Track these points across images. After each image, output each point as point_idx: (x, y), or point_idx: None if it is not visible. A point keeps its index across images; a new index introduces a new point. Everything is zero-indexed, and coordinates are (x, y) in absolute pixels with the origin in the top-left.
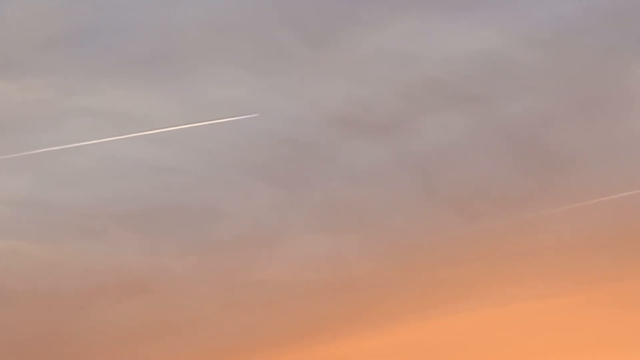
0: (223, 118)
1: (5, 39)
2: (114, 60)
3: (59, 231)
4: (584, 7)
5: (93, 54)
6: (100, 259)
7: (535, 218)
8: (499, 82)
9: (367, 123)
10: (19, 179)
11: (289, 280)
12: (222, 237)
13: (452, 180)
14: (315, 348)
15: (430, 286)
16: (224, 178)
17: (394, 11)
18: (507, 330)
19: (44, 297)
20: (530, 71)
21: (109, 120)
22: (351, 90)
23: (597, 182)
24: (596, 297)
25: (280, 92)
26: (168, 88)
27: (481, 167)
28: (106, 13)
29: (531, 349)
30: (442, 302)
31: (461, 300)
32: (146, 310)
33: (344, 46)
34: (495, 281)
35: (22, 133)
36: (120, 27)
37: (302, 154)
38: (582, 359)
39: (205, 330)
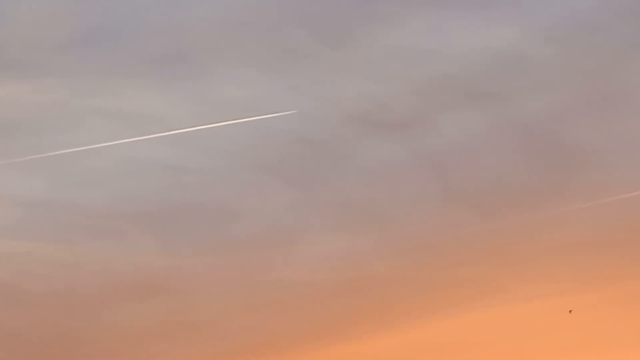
0: (242, 118)
1: (19, 41)
2: (128, 61)
3: (75, 232)
4: (600, 3)
5: (107, 55)
6: (117, 260)
7: (551, 216)
8: (515, 79)
9: (383, 121)
10: (34, 181)
11: (306, 280)
12: (238, 237)
13: (469, 178)
14: (332, 347)
15: (447, 284)
16: (240, 178)
17: (410, 9)
18: (524, 328)
19: (60, 297)
20: (546, 68)
21: (124, 121)
22: (367, 88)
23: (615, 180)
24: (612, 295)
25: (296, 91)
26: (183, 88)
27: (497, 165)
28: (119, 15)
29: (547, 347)
30: (458, 300)
31: (477, 299)
32: (162, 311)
33: (360, 44)
34: (511, 279)
35: (37, 135)
36: (133, 28)
37: (318, 153)
38: (597, 356)
39: (221, 330)
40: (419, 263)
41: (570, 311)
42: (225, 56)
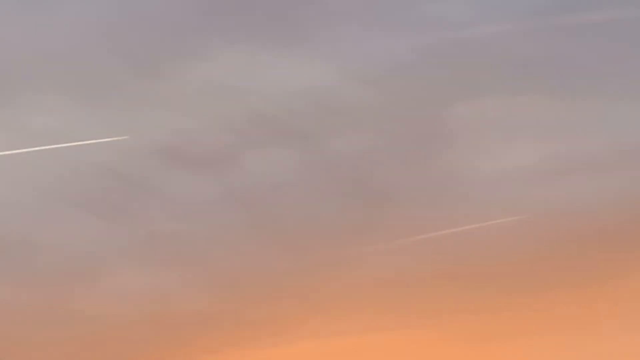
0: (48, 147)
1: None
2: None
3: None
4: (411, 44)
5: None
6: None
7: (359, 254)
8: (324, 119)
9: (192, 156)
10: None
11: (108, 314)
12: (38, 269)
13: (277, 215)
14: None
15: (252, 320)
16: (43, 208)
17: (223, 44)
18: None
19: None
20: (357, 108)
21: None
22: (178, 122)
23: (418, 220)
24: (415, 333)
25: (105, 122)
26: None
27: (306, 203)
28: None
29: None
30: (263, 336)
31: (282, 334)
32: None
33: (172, 77)
34: (317, 315)
35: None
36: None
37: (125, 185)
38: None
39: None
40: (225, 299)
41: None
42: (33, 84)
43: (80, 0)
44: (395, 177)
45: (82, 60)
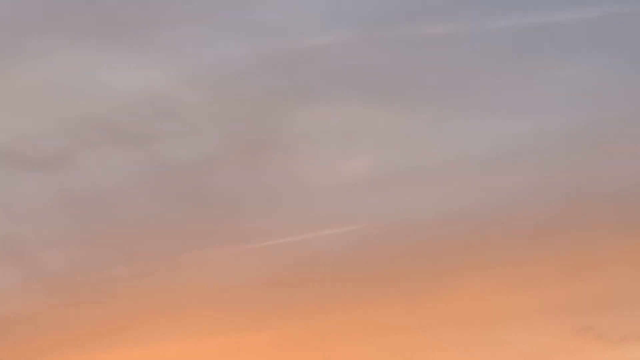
0: None
1: None
2: None
3: None
4: (249, 51)
5: None
6: None
7: (198, 260)
8: (163, 123)
9: (25, 156)
10: None
11: None
12: None
13: (113, 219)
14: None
15: (85, 324)
16: None
17: (58, 43)
18: None
19: None
20: (195, 113)
21: None
22: (9, 121)
23: (258, 227)
24: (257, 339)
25: None
26: None
27: (143, 207)
28: None
29: None
30: (96, 339)
31: (115, 338)
32: None
33: (5, 76)
34: (150, 320)
35: None
36: None
37: None
38: None
39: None
40: (57, 302)
41: None
42: None
43: None
44: (234, 185)
45: None
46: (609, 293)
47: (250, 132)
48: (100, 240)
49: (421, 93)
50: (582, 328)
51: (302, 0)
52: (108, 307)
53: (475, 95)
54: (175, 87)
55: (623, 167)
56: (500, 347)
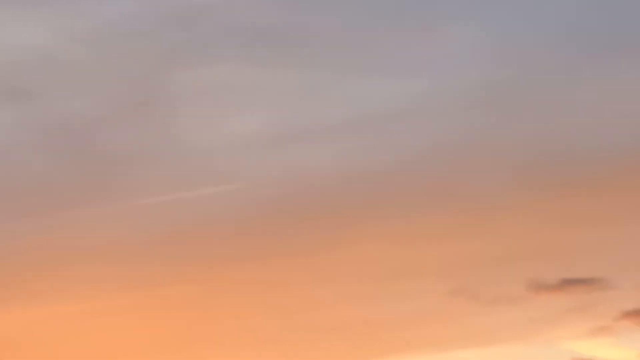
0: None
1: None
2: None
3: None
4: (145, 8)
5: None
6: None
7: (86, 217)
8: (49, 79)
9: None
10: None
11: None
12: None
13: (4, 175)
14: None
15: None
16: None
17: None
18: (54, 330)
19: None
20: (85, 71)
21: None
22: None
23: (143, 184)
24: (145, 299)
25: None
26: None
27: (29, 164)
28: None
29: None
30: None
31: (9, 296)
32: None
33: None
34: (41, 281)
35: None
36: None
37: None
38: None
39: None
40: None
41: None
42: None
43: None
44: (118, 142)
45: None
46: (481, 254)
47: (139, 90)
48: None
49: (318, 51)
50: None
51: None
52: (2, 263)
53: (372, 53)
54: (66, 44)
55: (516, 124)
56: (375, 308)
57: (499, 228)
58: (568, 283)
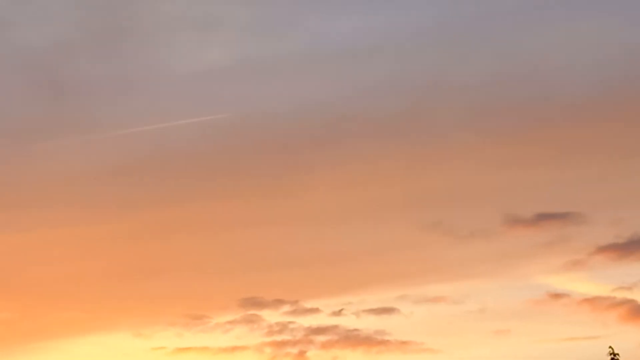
0: None
1: None
2: None
3: None
4: None
5: None
6: None
7: (51, 147)
8: (18, 7)
9: None
10: None
11: None
12: None
13: None
14: None
15: None
16: None
17: None
18: (23, 257)
19: None
20: None
21: None
22: None
23: (109, 116)
24: (113, 227)
25: None
26: None
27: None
28: None
29: (50, 276)
30: None
31: None
32: None
33: None
34: (10, 209)
35: None
36: None
37: None
38: (103, 285)
39: None
40: None
41: None
42: None
43: None
44: (89, 72)
45: None
46: (458, 189)
47: (107, 19)
48: None
49: None
50: (432, 223)
51: None
52: None
53: None
54: None
55: (472, 64)
56: (351, 241)
57: (459, 165)
58: (543, 218)
